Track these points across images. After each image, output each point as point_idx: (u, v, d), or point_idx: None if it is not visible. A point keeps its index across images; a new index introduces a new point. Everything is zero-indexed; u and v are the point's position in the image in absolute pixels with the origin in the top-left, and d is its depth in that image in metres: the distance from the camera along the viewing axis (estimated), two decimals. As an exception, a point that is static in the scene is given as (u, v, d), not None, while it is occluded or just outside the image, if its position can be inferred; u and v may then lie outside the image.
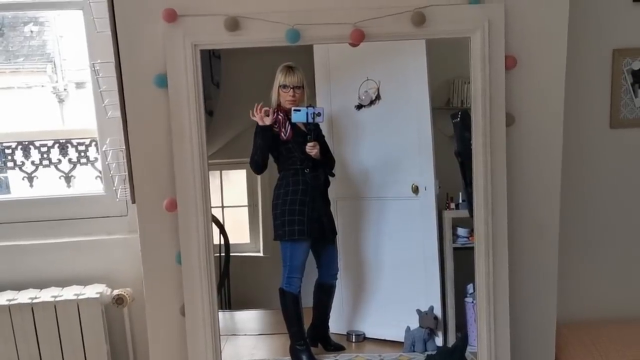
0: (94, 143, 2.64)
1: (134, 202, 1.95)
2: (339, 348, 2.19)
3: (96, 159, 2.66)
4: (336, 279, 2.19)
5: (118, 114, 1.92)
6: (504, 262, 1.91)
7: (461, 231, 2.10)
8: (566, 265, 2.25)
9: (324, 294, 2.20)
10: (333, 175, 2.13)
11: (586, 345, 2.23)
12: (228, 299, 2.28)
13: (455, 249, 2.10)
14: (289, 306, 2.12)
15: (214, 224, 2.01)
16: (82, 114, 2.62)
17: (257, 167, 2.07)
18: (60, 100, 2.75)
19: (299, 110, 2.01)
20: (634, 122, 2.37)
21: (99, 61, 2.29)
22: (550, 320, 2.08)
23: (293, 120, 2.03)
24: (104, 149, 2.48)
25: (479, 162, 1.88)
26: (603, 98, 2.36)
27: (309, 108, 2.02)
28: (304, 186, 2.08)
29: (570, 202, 2.26)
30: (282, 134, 2.05)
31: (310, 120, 2.01)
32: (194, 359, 1.93)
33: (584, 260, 2.45)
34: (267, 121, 2.01)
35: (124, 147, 1.93)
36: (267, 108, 2.01)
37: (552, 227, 2.02)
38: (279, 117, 2.05)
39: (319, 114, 2.01)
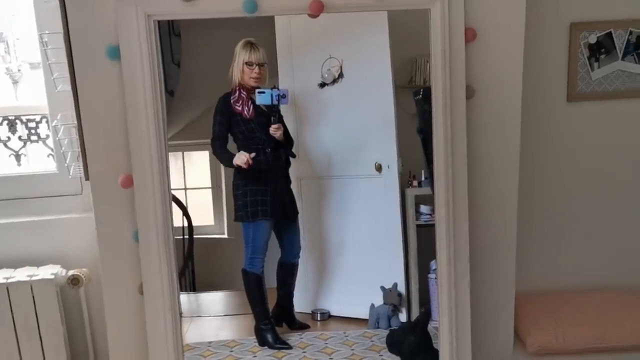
0: (44, 120, 2.54)
1: (87, 178, 1.88)
2: (304, 327, 2.21)
3: (47, 136, 2.56)
4: (299, 257, 2.19)
5: (68, 87, 1.85)
6: (464, 233, 1.92)
7: (424, 209, 2.11)
8: (525, 236, 2.28)
9: (287, 273, 2.19)
10: (294, 155, 2.11)
11: (544, 312, 2.28)
12: (192, 281, 2.26)
13: (418, 226, 2.12)
14: (252, 287, 2.11)
15: (176, 206, 1.96)
16: (37, 95, 2.51)
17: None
18: (14, 82, 2.63)
19: (264, 92, 1.96)
20: (590, 96, 2.40)
21: (47, 32, 2.19)
22: (509, 289, 2.11)
23: (257, 102, 1.98)
24: (54, 125, 2.39)
25: (440, 135, 1.87)
26: (560, 71, 2.38)
27: (274, 90, 1.97)
28: (265, 166, 2.05)
29: (528, 174, 2.29)
30: (245, 113, 2.01)
31: (275, 102, 1.97)
32: (154, 339, 1.89)
33: (542, 232, 2.49)
34: (244, 166, 2.02)
35: (76, 122, 1.86)
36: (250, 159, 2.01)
37: (511, 199, 2.04)
38: (242, 95, 2.00)
39: (283, 96, 1.97)
